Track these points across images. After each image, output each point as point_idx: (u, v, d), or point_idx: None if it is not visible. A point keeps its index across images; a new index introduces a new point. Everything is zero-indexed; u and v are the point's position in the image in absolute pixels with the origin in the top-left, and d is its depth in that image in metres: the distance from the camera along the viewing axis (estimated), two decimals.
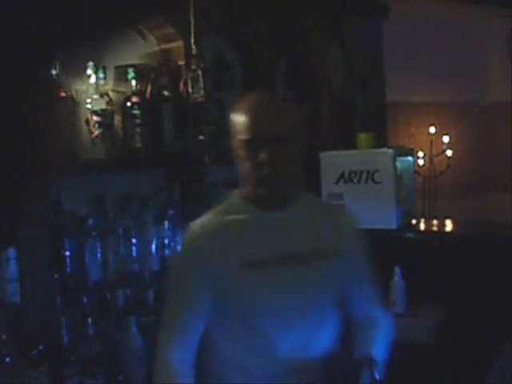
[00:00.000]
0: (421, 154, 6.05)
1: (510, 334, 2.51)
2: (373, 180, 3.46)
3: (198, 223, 1.91)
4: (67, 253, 2.47)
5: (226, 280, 1.79)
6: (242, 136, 1.79)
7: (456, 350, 3.04)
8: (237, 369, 1.83)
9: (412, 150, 4.17)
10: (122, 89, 2.81)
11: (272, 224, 1.84)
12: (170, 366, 1.76)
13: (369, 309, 1.99)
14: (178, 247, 2.91)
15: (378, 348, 1.88)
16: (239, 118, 1.81)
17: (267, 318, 1.80)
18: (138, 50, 2.94)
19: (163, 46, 3.03)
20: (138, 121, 2.76)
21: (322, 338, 1.89)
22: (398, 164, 3.51)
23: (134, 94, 2.77)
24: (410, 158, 3.87)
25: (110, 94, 2.72)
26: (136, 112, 2.76)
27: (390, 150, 3.51)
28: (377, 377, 1.75)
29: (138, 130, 2.76)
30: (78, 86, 2.61)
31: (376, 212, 3.43)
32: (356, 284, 1.96)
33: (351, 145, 3.80)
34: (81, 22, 2.49)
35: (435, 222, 4.19)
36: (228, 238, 1.83)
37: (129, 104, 2.76)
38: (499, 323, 2.85)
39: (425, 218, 4.29)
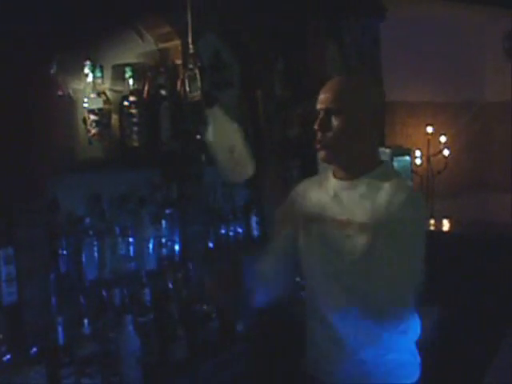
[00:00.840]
0: (418, 153, 6.05)
1: (506, 334, 2.52)
2: None
3: (303, 182, 2.32)
4: (64, 252, 2.47)
5: (296, 228, 2.14)
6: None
7: (452, 349, 3.05)
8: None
9: (409, 149, 4.17)
10: (119, 88, 2.81)
11: (339, 191, 2.11)
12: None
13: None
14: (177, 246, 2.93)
15: None
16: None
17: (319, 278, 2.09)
18: (135, 49, 2.94)
19: (160, 45, 3.03)
20: (135, 120, 2.75)
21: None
22: (396, 163, 3.51)
23: (132, 93, 2.76)
24: (407, 158, 3.88)
25: (108, 92, 2.71)
26: (133, 111, 2.75)
27: (388, 150, 3.52)
28: None
29: (136, 128, 2.76)
30: (75, 85, 2.60)
31: None
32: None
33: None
34: (78, 20, 2.49)
35: (432, 221, 4.19)
36: (305, 197, 2.19)
37: (126, 103, 2.76)
38: (496, 322, 2.86)
39: None
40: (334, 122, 2.04)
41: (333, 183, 2.15)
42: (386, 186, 2.03)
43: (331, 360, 2.08)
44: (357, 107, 2.04)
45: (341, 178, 2.13)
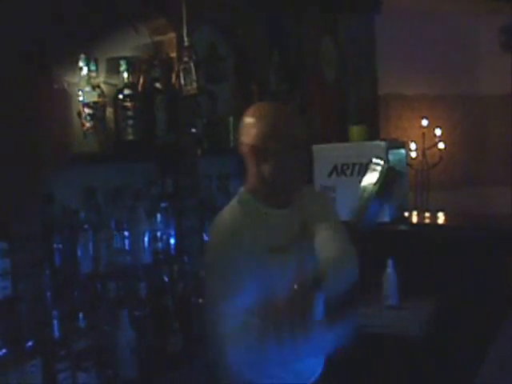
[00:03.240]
0: (413, 146, 6.05)
1: (501, 327, 2.52)
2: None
3: (225, 217, 2.11)
4: (59, 246, 2.46)
5: (251, 266, 1.97)
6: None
7: (448, 342, 3.06)
8: None
9: (404, 142, 4.17)
10: (113, 81, 2.80)
11: (277, 218, 2.10)
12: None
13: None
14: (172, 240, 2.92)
15: None
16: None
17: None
18: (130, 42, 2.93)
19: (155, 38, 3.02)
20: (130, 113, 2.74)
21: None
22: (391, 156, 3.51)
23: (126, 86, 2.75)
24: (402, 151, 3.88)
25: (102, 86, 2.70)
26: (128, 104, 2.74)
27: (383, 143, 3.52)
28: None
29: (130, 122, 2.75)
30: (69, 79, 2.60)
31: None
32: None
33: (344, 137, 3.81)
34: (73, 14, 2.48)
35: (427, 214, 4.20)
36: (249, 230, 2.04)
37: (121, 96, 2.75)
38: (491, 316, 2.86)
39: (417, 211, 4.29)
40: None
41: (269, 211, 2.12)
42: (314, 200, 2.22)
43: None
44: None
45: (279, 207, 2.12)
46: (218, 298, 1.97)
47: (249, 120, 2.12)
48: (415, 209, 4.64)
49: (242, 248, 1.99)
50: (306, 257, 2.08)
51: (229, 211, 2.12)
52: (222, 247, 2.04)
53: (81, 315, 2.37)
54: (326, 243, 2.09)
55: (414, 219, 3.87)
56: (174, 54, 2.97)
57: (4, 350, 2.12)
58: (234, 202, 2.15)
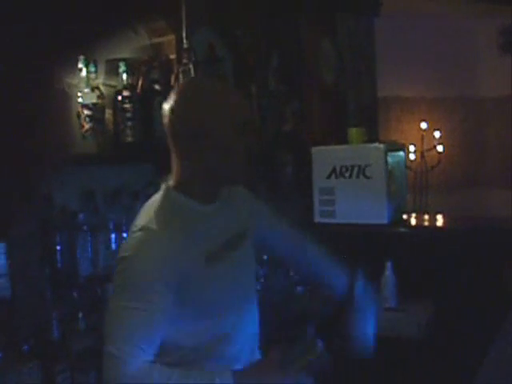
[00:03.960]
0: (412, 148, 6.06)
1: (500, 329, 2.52)
2: (364, 175, 3.46)
3: (151, 223, 1.72)
4: (58, 247, 2.46)
5: (188, 276, 1.70)
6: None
7: (447, 344, 3.06)
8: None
9: (403, 144, 4.17)
10: (113, 82, 2.80)
11: (213, 217, 1.81)
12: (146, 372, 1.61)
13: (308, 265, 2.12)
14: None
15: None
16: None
17: (224, 308, 1.79)
18: (129, 44, 2.93)
19: (154, 40, 3.02)
20: (129, 115, 2.74)
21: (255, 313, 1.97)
22: (390, 159, 3.51)
23: (125, 87, 2.75)
24: (401, 153, 3.88)
25: (101, 87, 2.70)
26: (127, 106, 2.74)
27: (382, 145, 3.52)
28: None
29: (129, 123, 2.75)
30: (68, 80, 2.60)
31: (367, 207, 3.45)
32: (284, 245, 2.09)
33: (342, 140, 3.81)
34: (72, 15, 2.48)
35: (426, 216, 4.20)
36: (182, 235, 1.72)
37: (120, 98, 2.75)
38: (490, 318, 2.86)
39: (416, 213, 4.29)
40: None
41: (206, 210, 1.82)
42: (237, 195, 1.96)
43: None
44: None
45: (208, 202, 1.82)
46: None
47: (178, 100, 1.75)
48: (414, 211, 4.64)
49: (173, 260, 1.67)
50: (246, 262, 1.93)
51: (155, 214, 1.74)
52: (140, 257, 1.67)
53: (80, 316, 2.37)
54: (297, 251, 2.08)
55: (413, 222, 3.87)
56: (173, 56, 2.98)
57: (2, 352, 2.12)
58: (157, 201, 1.81)
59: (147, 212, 1.77)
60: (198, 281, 1.72)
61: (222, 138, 1.72)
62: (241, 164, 1.77)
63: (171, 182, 1.82)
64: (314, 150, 3.66)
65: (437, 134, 6.16)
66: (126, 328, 1.62)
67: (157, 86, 2.87)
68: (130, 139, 2.75)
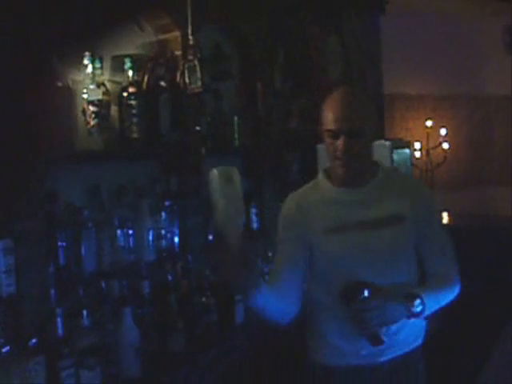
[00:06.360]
0: (417, 146, 6.05)
1: (503, 329, 2.52)
2: None
3: (291, 195, 2.29)
4: (63, 243, 2.46)
5: (310, 243, 2.16)
6: (325, 127, 2.12)
7: (449, 344, 3.05)
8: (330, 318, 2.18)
9: (409, 142, 4.16)
10: (118, 79, 2.80)
11: (349, 198, 2.18)
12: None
13: (440, 266, 2.23)
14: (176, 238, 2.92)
15: (431, 292, 2.13)
16: (325, 111, 2.13)
17: (345, 277, 2.07)
18: (134, 40, 2.93)
19: (160, 37, 3.02)
20: (134, 111, 2.74)
21: None
22: (395, 156, 3.51)
23: (131, 84, 2.75)
24: (406, 151, 3.87)
25: (107, 84, 2.70)
26: (132, 102, 2.74)
27: (387, 143, 3.51)
28: (414, 310, 2.04)
29: (135, 120, 2.75)
30: (74, 76, 2.59)
31: None
32: (427, 245, 2.22)
33: None
34: (78, 11, 2.48)
35: None
36: (312, 209, 2.19)
37: (125, 94, 2.75)
38: (493, 318, 2.86)
39: None
40: (356, 142, 2.09)
41: (342, 191, 2.20)
42: (401, 181, 2.31)
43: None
44: (371, 121, 2.16)
45: (351, 185, 2.19)
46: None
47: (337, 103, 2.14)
48: None
49: (293, 218, 2.20)
50: (390, 241, 2.14)
51: (304, 187, 2.30)
52: (281, 214, 2.26)
53: (84, 313, 2.36)
54: (433, 255, 2.21)
55: None
56: (178, 53, 2.97)
57: (7, 348, 2.12)
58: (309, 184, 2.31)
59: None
60: (316, 247, 2.16)
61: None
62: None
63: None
64: (320, 146, 3.63)
65: (442, 132, 6.15)
66: (275, 260, 2.28)
67: (162, 83, 2.87)
68: (135, 136, 2.75)
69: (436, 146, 6.14)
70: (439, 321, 3.11)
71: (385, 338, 2.04)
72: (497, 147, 6.69)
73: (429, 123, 6.17)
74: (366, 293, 1.99)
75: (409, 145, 4.04)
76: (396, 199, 2.18)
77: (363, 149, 2.12)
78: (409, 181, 2.38)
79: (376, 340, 2.04)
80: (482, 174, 6.68)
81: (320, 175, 2.27)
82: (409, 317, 2.07)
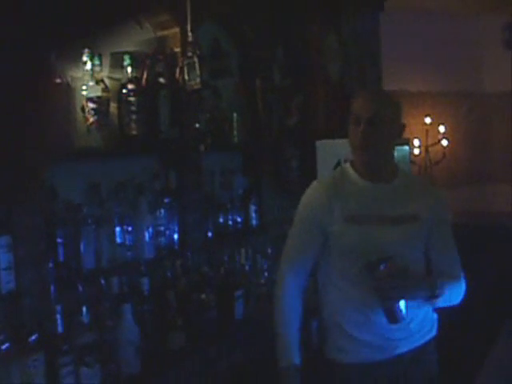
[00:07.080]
0: (416, 143, 6.05)
1: (501, 330, 2.52)
2: None
3: (316, 182, 2.40)
4: (62, 240, 2.46)
5: (330, 230, 2.25)
6: (351, 112, 2.26)
7: (452, 339, 3.05)
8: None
9: (408, 139, 4.16)
10: (117, 76, 2.80)
11: (375, 193, 2.28)
12: (285, 309, 2.30)
13: (447, 268, 2.31)
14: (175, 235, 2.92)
15: (444, 283, 2.22)
16: (355, 99, 2.30)
17: (362, 262, 2.16)
18: (133, 37, 2.92)
19: (159, 33, 3.01)
20: (133, 108, 2.74)
21: None
22: (394, 153, 3.50)
23: (130, 80, 2.75)
24: (405, 148, 3.87)
25: (106, 80, 2.70)
26: (132, 99, 2.74)
27: None
28: (434, 291, 2.16)
29: (134, 117, 2.74)
30: (73, 73, 2.59)
31: None
32: (436, 246, 2.31)
33: (347, 133, 3.79)
34: (77, 8, 2.47)
35: None
36: (338, 196, 2.27)
37: (124, 91, 2.74)
38: (491, 318, 2.86)
39: None
40: (375, 129, 2.21)
41: (367, 185, 2.30)
42: (419, 183, 2.46)
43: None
44: (393, 121, 2.27)
45: (376, 181, 2.30)
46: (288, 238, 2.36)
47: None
48: None
49: (316, 205, 2.29)
50: (404, 238, 2.24)
51: (329, 175, 2.46)
52: (304, 200, 2.35)
53: (84, 310, 2.36)
54: (443, 256, 2.31)
55: None
56: (177, 49, 2.97)
57: (7, 344, 2.12)
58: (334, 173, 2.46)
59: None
60: (336, 234, 2.25)
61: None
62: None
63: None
64: (319, 143, 3.65)
65: (441, 129, 6.15)
66: (288, 250, 2.36)
67: (161, 79, 2.87)
68: (134, 132, 2.75)
69: (435, 143, 6.15)
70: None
71: (402, 316, 2.12)
72: (496, 144, 6.69)
73: (428, 120, 6.18)
74: (389, 262, 2.10)
75: (408, 142, 4.03)
76: (416, 201, 2.29)
77: (382, 141, 2.23)
78: (429, 187, 2.49)
79: (393, 316, 2.11)
80: (481, 170, 6.68)
81: (347, 166, 2.37)
82: (427, 298, 2.18)
